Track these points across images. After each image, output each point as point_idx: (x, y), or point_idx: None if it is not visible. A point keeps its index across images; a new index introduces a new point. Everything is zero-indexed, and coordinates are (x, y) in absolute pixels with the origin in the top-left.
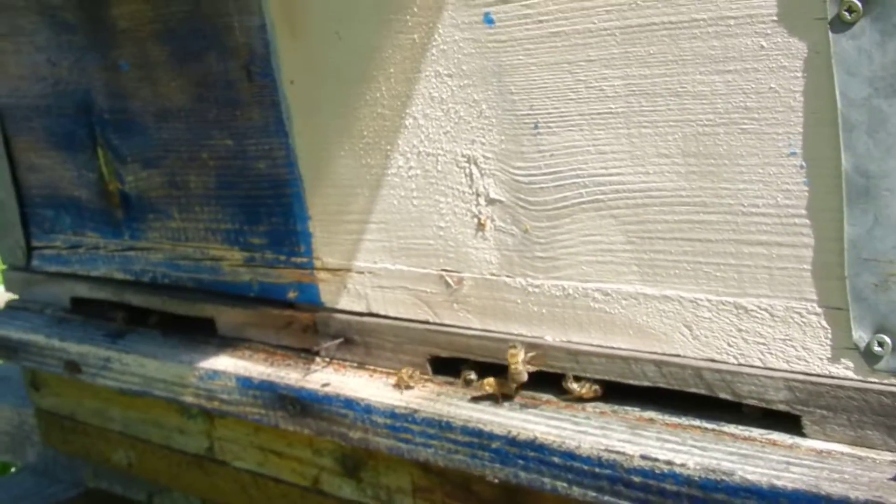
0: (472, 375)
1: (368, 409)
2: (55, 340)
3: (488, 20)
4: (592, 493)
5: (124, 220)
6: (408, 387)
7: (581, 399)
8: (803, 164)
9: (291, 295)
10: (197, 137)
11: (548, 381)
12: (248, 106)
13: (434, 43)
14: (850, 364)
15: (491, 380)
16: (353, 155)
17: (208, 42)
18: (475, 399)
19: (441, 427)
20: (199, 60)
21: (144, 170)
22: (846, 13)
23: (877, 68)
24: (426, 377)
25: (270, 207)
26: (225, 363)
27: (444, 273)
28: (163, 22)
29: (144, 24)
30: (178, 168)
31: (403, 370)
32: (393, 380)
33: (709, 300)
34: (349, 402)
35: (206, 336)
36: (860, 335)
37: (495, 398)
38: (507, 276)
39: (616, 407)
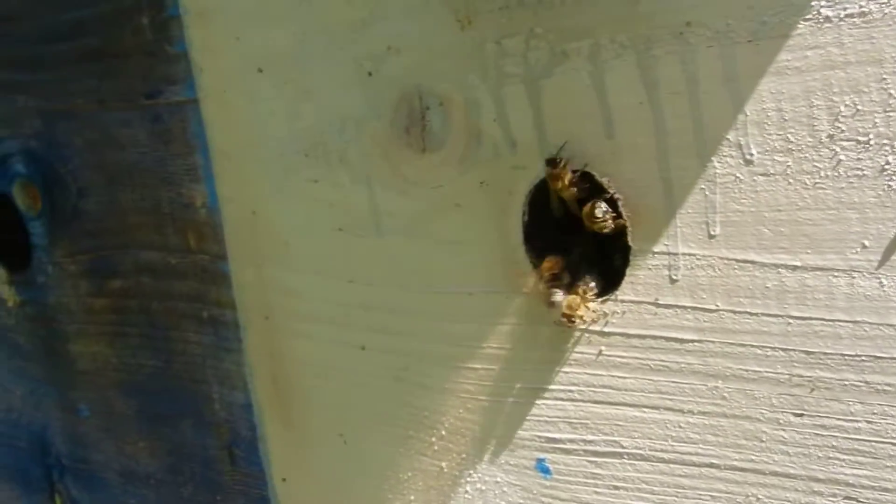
0: None
1: None
2: None
3: (543, 469)
4: None
5: None
6: None
7: None
8: None
9: None
10: None
11: None
12: (231, 495)
13: (469, 478)
14: None
15: None
16: None
17: (182, 407)
18: None
19: None
20: (170, 426)
21: None
22: None
23: None
24: None
25: None
26: None
27: None
28: (128, 372)
29: (107, 370)
30: None
31: None
32: None
33: None
34: None
35: None
36: None
37: None
38: None
39: None
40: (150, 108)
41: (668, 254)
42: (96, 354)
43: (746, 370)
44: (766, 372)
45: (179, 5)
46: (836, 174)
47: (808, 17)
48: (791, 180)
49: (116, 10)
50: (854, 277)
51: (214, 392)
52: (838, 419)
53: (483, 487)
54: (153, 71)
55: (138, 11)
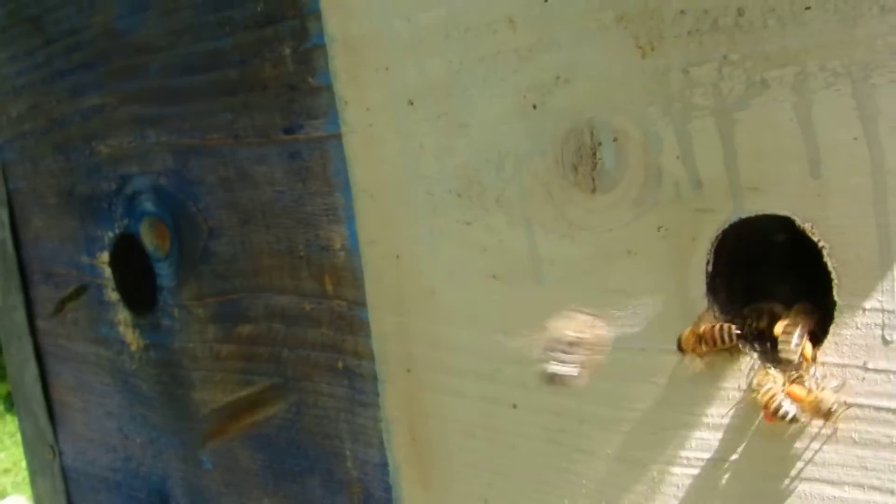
0: None
1: None
2: None
3: None
4: None
5: None
6: None
7: None
8: None
9: None
10: None
11: None
12: None
13: None
14: None
15: None
16: None
17: (312, 464)
18: None
19: None
20: (298, 483)
21: None
22: None
23: None
24: None
25: None
26: None
27: None
28: (255, 424)
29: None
30: None
31: None
32: None
33: None
34: None
35: None
36: None
37: None
38: None
39: None
40: (288, 143)
41: (883, 311)
42: (220, 402)
43: None
44: None
45: (325, 34)
46: None
47: None
48: None
49: (256, 41)
50: None
51: (347, 449)
52: None
53: None
54: (293, 104)
55: (279, 41)
